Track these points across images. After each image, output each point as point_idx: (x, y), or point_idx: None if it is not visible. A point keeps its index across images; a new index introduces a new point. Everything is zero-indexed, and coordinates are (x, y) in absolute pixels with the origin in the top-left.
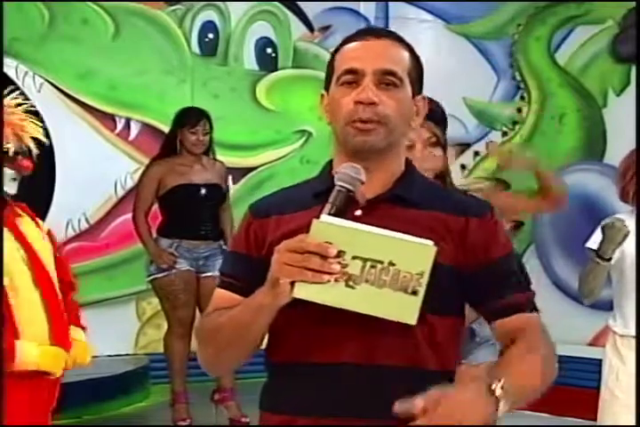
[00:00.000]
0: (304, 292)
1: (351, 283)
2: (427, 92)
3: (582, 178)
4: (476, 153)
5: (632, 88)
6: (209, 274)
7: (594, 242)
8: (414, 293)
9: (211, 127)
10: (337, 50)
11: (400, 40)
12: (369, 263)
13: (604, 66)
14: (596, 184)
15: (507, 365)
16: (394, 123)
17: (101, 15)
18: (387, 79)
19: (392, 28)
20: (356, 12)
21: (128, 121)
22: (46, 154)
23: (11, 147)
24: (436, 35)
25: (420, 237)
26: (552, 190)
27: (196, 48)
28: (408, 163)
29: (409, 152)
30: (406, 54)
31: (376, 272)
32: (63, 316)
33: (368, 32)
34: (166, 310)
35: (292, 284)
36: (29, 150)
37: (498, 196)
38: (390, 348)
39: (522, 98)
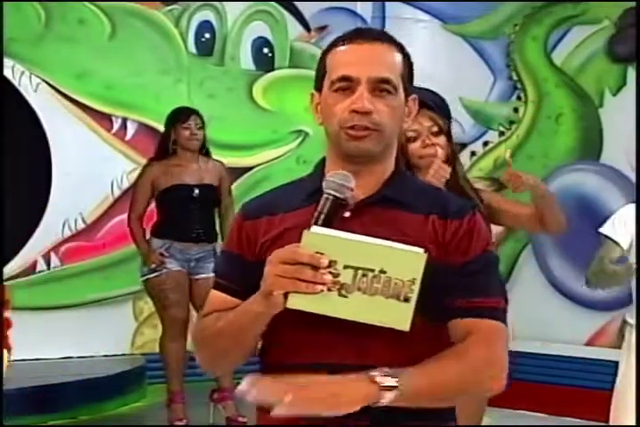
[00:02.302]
0: (298, 303)
1: (344, 292)
2: None
3: (579, 178)
4: (473, 153)
5: (628, 88)
6: (202, 276)
7: (608, 228)
8: (406, 299)
9: (203, 123)
10: (328, 49)
11: (392, 41)
12: (360, 272)
13: (600, 66)
14: (592, 184)
15: (423, 363)
16: (388, 129)
17: (98, 15)
18: (381, 87)
19: (388, 27)
20: (353, 12)
21: (125, 121)
22: (43, 154)
23: None
24: (433, 34)
25: (406, 239)
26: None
27: (192, 48)
28: (397, 163)
29: (411, 143)
30: (399, 57)
31: (368, 280)
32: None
33: (361, 35)
34: (159, 311)
35: (286, 294)
36: None
37: (497, 200)
38: (381, 349)
39: (518, 98)
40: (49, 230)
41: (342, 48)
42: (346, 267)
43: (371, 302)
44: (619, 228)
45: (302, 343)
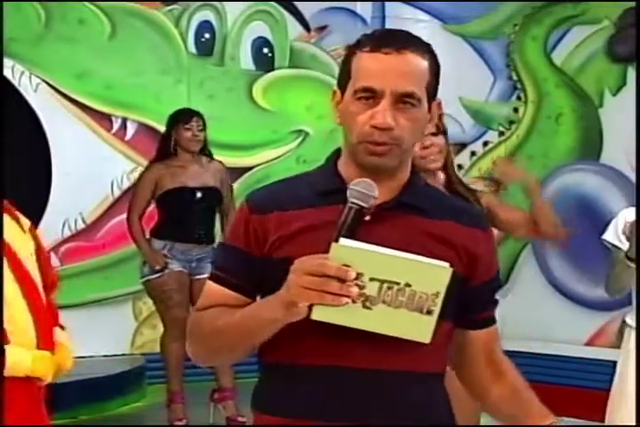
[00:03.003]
0: (322, 314)
1: (368, 304)
2: None
3: (578, 178)
4: (473, 153)
5: (628, 88)
6: (202, 276)
7: (611, 235)
8: (429, 312)
9: (204, 125)
10: (354, 50)
11: (419, 47)
12: (386, 285)
13: (600, 66)
14: (592, 184)
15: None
16: (406, 142)
17: (98, 15)
18: (404, 100)
19: (388, 27)
20: (353, 12)
21: (124, 121)
22: (43, 154)
23: None
24: (433, 35)
25: (428, 245)
26: (542, 216)
27: (192, 48)
28: (413, 171)
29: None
30: (425, 65)
31: (392, 293)
32: (48, 317)
33: (388, 42)
34: (161, 312)
35: (310, 305)
36: None
37: (487, 201)
38: (392, 352)
39: (518, 98)
40: (49, 230)
41: (368, 55)
42: (372, 279)
43: (394, 315)
44: (621, 234)
45: (309, 344)
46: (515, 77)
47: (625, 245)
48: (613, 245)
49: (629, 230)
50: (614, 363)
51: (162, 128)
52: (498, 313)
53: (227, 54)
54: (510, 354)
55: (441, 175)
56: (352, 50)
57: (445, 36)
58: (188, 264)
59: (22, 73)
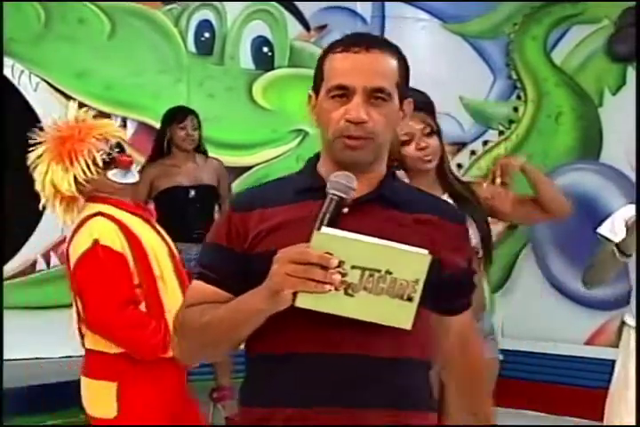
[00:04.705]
0: (306, 301)
1: (350, 291)
2: (423, 91)
3: (578, 177)
4: (473, 152)
5: (628, 87)
6: None
7: (607, 230)
8: (409, 299)
9: (199, 123)
10: (326, 53)
11: (388, 47)
12: (367, 272)
13: (599, 65)
14: (592, 183)
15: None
16: (381, 136)
17: (98, 15)
18: (376, 95)
19: (388, 27)
20: (353, 12)
21: (124, 120)
22: None
23: (102, 153)
24: (433, 34)
25: (406, 237)
26: (546, 194)
27: (192, 47)
28: (389, 166)
29: (405, 146)
30: (394, 64)
31: (374, 280)
32: None
33: (357, 42)
34: None
35: (294, 293)
36: (118, 144)
37: (499, 196)
38: (373, 338)
39: (518, 97)
40: (49, 230)
41: (339, 55)
42: (353, 267)
43: (376, 302)
44: (618, 229)
45: (294, 334)
46: (514, 77)
47: (618, 238)
48: (605, 238)
49: (631, 223)
50: (614, 362)
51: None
52: (497, 312)
53: (226, 53)
54: (510, 353)
55: (434, 175)
56: (324, 53)
57: (445, 35)
58: (188, 264)
59: (22, 72)
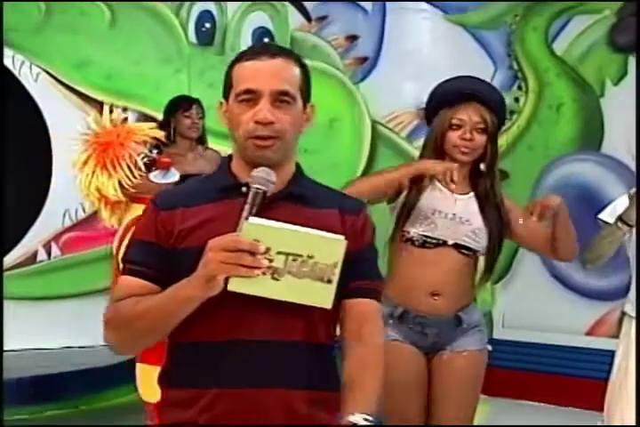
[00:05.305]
0: (237, 286)
1: (276, 275)
2: (424, 81)
3: (579, 168)
4: None
5: (629, 78)
6: None
7: (607, 214)
8: (329, 281)
9: (203, 113)
10: (234, 63)
11: (291, 56)
12: (291, 257)
13: (601, 55)
14: (593, 174)
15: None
16: (289, 136)
17: (98, 5)
18: (281, 98)
19: (390, 18)
20: (354, 3)
21: (125, 110)
22: (43, 143)
23: (142, 156)
24: (434, 24)
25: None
26: (563, 237)
27: (193, 38)
28: (298, 165)
29: (452, 131)
30: (297, 71)
31: (297, 265)
32: None
33: (262, 52)
34: None
35: (226, 279)
36: (157, 146)
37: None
38: (285, 324)
39: (519, 87)
40: (50, 220)
41: (246, 63)
42: (279, 253)
43: (299, 284)
44: (627, 199)
45: (217, 322)
46: (515, 67)
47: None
48: (605, 222)
49: (633, 193)
50: (614, 352)
51: (162, 118)
52: (498, 303)
53: (227, 44)
54: (510, 343)
55: (466, 171)
56: (232, 63)
57: (446, 26)
58: None
59: (23, 63)
